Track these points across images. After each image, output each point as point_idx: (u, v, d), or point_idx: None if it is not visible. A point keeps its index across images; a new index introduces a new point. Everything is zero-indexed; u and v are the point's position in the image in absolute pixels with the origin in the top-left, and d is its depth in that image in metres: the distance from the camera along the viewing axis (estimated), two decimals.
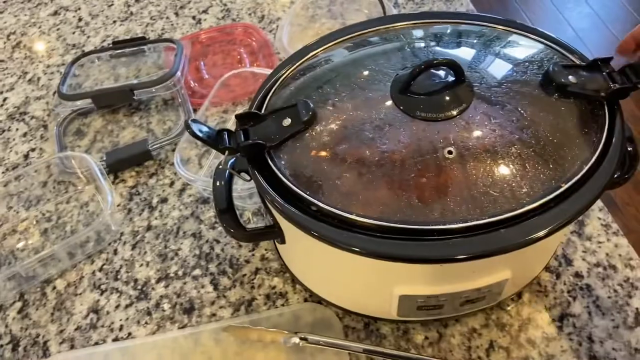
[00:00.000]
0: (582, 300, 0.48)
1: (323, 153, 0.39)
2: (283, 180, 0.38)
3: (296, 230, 0.37)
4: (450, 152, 0.37)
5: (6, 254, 0.54)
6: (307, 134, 0.39)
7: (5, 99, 0.70)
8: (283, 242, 0.45)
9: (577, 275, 0.49)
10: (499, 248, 0.35)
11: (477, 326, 0.47)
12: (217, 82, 0.62)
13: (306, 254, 0.44)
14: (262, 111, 0.42)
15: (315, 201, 0.36)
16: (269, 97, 0.43)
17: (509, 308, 0.47)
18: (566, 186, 0.36)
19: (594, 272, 0.49)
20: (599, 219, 0.52)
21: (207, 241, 0.54)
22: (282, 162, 0.39)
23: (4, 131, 0.66)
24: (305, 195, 0.37)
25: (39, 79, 0.72)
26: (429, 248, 0.35)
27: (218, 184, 0.44)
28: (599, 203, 0.53)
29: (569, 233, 0.52)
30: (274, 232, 0.44)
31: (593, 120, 0.39)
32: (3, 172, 0.62)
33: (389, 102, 0.39)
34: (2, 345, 0.48)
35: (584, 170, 0.37)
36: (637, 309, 0.47)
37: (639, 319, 0.46)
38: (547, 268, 0.49)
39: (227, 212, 0.43)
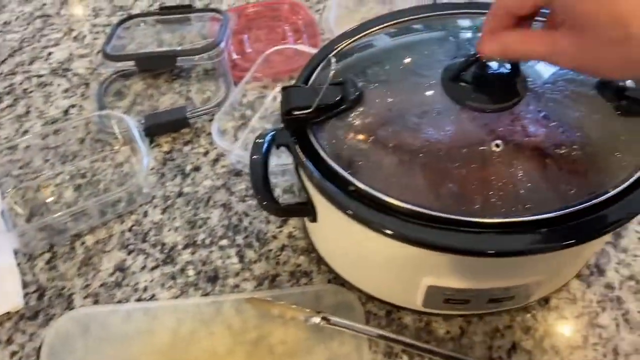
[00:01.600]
0: (611, 312, 0.46)
1: (366, 134, 0.38)
2: (322, 156, 0.38)
3: (330, 208, 0.37)
4: (497, 145, 0.36)
5: (39, 205, 0.55)
6: (352, 113, 0.38)
7: (50, 54, 0.71)
8: (314, 220, 0.44)
9: (609, 286, 0.48)
10: (534, 248, 0.34)
11: (501, 326, 0.46)
12: (260, 57, 0.62)
13: (337, 235, 0.44)
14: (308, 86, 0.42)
15: (354, 180, 0.36)
16: (316, 73, 0.43)
17: (535, 312, 0.47)
18: (612, 193, 0.35)
19: (626, 285, 0.48)
20: (637, 232, 0.51)
21: (236, 213, 0.54)
22: (324, 139, 0.38)
23: (46, 85, 0.67)
24: (344, 173, 0.36)
25: (84, 37, 0.73)
26: (463, 239, 0.34)
27: (256, 156, 0.44)
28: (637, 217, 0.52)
29: (604, 243, 0.50)
30: (306, 209, 0.43)
31: None
32: (42, 125, 0.63)
33: (439, 89, 0.38)
34: (28, 293, 0.49)
35: (632, 179, 0.36)
36: None
37: None
38: (578, 276, 0.48)
39: (262, 184, 0.43)
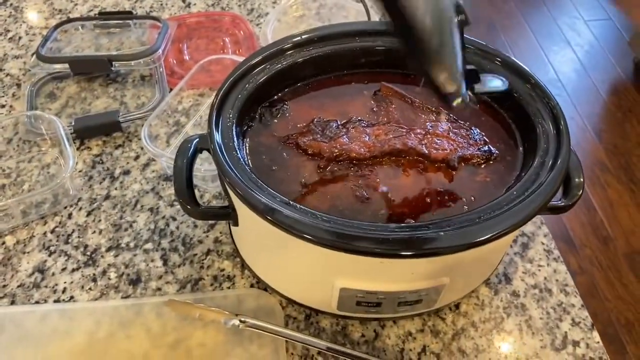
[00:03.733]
0: (515, 318, 0.50)
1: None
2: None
3: (248, 211, 0.38)
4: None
5: None
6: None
7: None
8: (236, 224, 0.45)
9: (514, 294, 0.51)
10: (433, 249, 0.36)
11: (413, 330, 0.48)
12: (196, 65, 0.63)
13: (256, 237, 0.45)
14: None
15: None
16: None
17: (445, 317, 0.49)
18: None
19: (531, 292, 0.51)
20: (543, 244, 0.55)
21: (163, 217, 0.55)
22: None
23: None
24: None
25: (20, 38, 0.72)
26: (368, 241, 0.36)
27: (180, 159, 0.45)
28: (544, 229, 0.55)
29: (513, 254, 0.54)
30: (227, 213, 0.45)
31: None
32: None
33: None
34: None
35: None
36: (565, 332, 0.49)
37: (565, 342, 0.48)
38: (487, 283, 0.51)
39: (186, 187, 0.44)
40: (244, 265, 0.51)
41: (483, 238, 0.36)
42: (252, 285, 0.50)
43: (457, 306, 0.50)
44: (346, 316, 0.48)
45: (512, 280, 0.52)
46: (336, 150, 0.41)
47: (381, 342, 0.47)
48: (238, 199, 0.38)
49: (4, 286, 0.49)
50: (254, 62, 0.46)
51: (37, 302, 0.48)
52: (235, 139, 0.41)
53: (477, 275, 0.48)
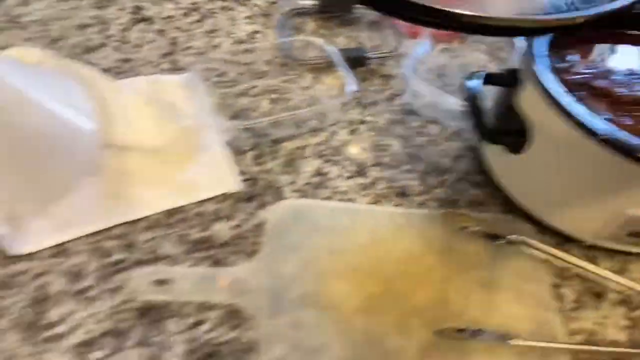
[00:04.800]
0: None
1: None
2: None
3: (549, 135, 0.44)
4: None
5: (240, 110, 0.61)
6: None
7: None
8: (516, 151, 0.51)
9: None
10: None
11: None
12: None
13: (544, 164, 0.51)
14: None
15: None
16: None
17: None
18: None
19: None
20: None
21: (414, 145, 0.61)
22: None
23: (229, 10, 0.73)
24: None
25: None
26: None
27: (471, 85, 0.51)
28: None
29: None
30: (515, 139, 0.51)
31: None
32: (231, 44, 0.68)
33: None
34: (246, 180, 0.55)
35: None
36: None
37: None
38: None
39: (477, 110, 0.51)
40: (494, 194, 0.57)
41: None
42: (504, 213, 0.56)
43: None
44: (596, 246, 0.53)
45: None
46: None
47: (627, 276, 0.53)
48: (568, 122, 0.44)
49: (293, 182, 0.56)
50: None
51: (325, 198, 0.55)
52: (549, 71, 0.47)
53: None
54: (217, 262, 0.49)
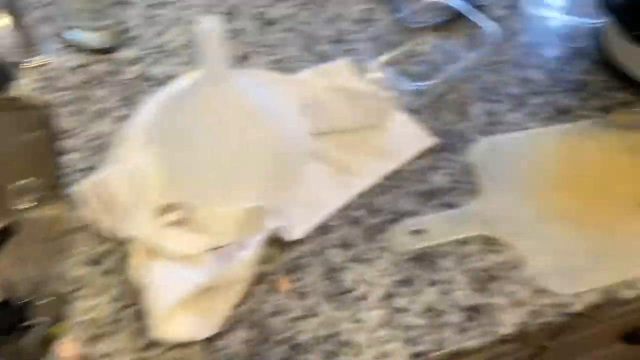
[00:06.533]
0: None
1: None
2: None
3: None
4: None
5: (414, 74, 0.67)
6: None
7: None
8: None
9: None
10: None
11: None
12: None
13: None
14: None
15: None
16: None
17: None
18: None
19: None
20: None
21: (552, 70, 0.69)
22: None
23: None
24: None
25: None
26: None
27: None
28: None
29: None
30: None
31: None
32: (353, 24, 0.74)
33: None
34: (434, 134, 0.62)
35: None
36: None
37: None
38: None
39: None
40: (635, 90, 0.65)
41: None
42: None
43: None
44: None
45: None
46: None
47: None
48: None
49: (473, 127, 0.63)
50: None
51: (504, 133, 0.62)
52: None
53: None
54: (450, 206, 0.56)
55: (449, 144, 0.61)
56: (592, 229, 0.54)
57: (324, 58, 0.68)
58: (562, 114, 0.64)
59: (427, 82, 0.65)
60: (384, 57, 0.68)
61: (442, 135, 0.62)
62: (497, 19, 0.74)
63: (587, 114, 0.64)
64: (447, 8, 0.72)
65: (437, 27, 0.72)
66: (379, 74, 0.64)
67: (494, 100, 0.65)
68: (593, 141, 0.61)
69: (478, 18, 0.69)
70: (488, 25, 0.68)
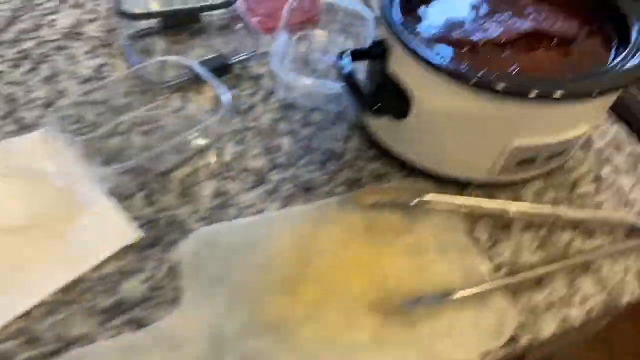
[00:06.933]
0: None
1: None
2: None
3: (432, 92, 0.46)
4: None
5: (115, 152, 0.55)
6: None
7: (53, 20, 0.69)
8: (403, 116, 0.53)
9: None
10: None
11: (541, 187, 0.59)
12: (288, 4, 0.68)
13: (430, 121, 0.52)
14: None
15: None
16: None
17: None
18: None
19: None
20: None
21: (303, 137, 0.60)
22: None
23: (63, 48, 0.65)
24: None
25: (83, 4, 0.71)
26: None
27: (344, 65, 0.51)
28: None
29: None
30: (397, 107, 0.52)
31: None
32: (79, 84, 0.62)
33: None
34: (143, 225, 0.50)
35: None
36: None
37: None
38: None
39: (356, 88, 0.51)
40: (392, 162, 0.58)
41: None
42: (405, 177, 0.58)
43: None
44: (490, 184, 0.57)
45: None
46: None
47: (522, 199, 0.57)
48: (439, 76, 0.46)
49: (195, 211, 0.52)
50: None
51: (234, 217, 0.52)
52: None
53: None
54: (139, 323, 0.45)
55: (159, 238, 0.50)
56: (308, 342, 0.45)
57: (24, 128, 0.56)
58: (306, 192, 0.56)
59: (145, 156, 0.54)
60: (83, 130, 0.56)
61: (153, 227, 0.51)
62: (254, 77, 0.65)
63: (334, 190, 0.56)
64: (188, 68, 0.62)
65: (176, 88, 0.62)
66: (76, 149, 0.52)
67: (228, 177, 0.56)
68: (332, 225, 0.53)
69: (215, 82, 0.59)
70: (223, 92, 0.59)
